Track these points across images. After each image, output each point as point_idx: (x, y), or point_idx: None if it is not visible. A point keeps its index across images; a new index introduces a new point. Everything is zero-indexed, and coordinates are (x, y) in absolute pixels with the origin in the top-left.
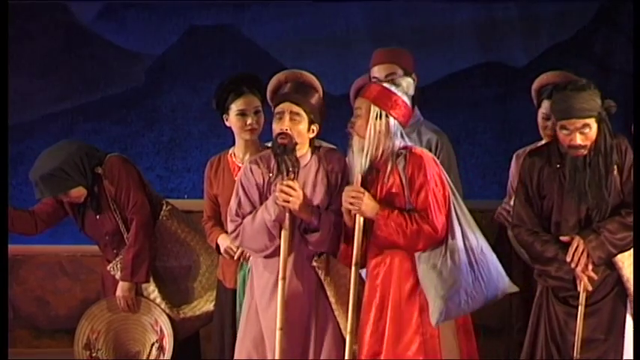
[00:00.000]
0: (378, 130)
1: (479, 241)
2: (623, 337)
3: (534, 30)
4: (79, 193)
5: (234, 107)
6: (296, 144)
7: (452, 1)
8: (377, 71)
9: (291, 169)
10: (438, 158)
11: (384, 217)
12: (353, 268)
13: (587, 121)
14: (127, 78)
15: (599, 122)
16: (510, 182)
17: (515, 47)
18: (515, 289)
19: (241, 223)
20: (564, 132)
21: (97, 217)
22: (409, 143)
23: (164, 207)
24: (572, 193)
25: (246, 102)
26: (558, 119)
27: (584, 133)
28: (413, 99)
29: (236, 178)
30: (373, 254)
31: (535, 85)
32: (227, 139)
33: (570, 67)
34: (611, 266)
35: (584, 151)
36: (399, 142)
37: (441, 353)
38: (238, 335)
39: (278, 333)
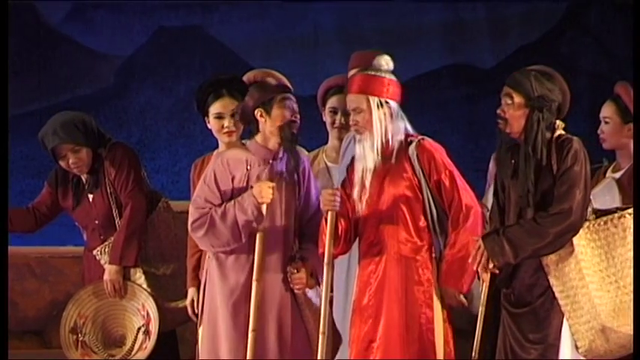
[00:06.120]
0: (383, 118)
1: None
2: (560, 338)
3: (502, 31)
4: (84, 155)
5: (212, 110)
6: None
7: (420, 2)
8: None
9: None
10: None
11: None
12: (325, 267)
13: (511, 91)
14: (95, 79)
15: (531, 110)
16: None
17: (483, 49)
18: None
19: (208, 213)
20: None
21: (92, 198)
22: (409, 126)
23: (162, 200)
24: (506, 169)
25: (223, 105)
26: None
27: (506, 104)
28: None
29: (207, 168)
30: (366, 260)
31: None
32: (196, 139)
33: None
34: (542, 270)
35: (505, 126)
36: (403, 125)
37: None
38: (206, 337)
39: (250, 334)
